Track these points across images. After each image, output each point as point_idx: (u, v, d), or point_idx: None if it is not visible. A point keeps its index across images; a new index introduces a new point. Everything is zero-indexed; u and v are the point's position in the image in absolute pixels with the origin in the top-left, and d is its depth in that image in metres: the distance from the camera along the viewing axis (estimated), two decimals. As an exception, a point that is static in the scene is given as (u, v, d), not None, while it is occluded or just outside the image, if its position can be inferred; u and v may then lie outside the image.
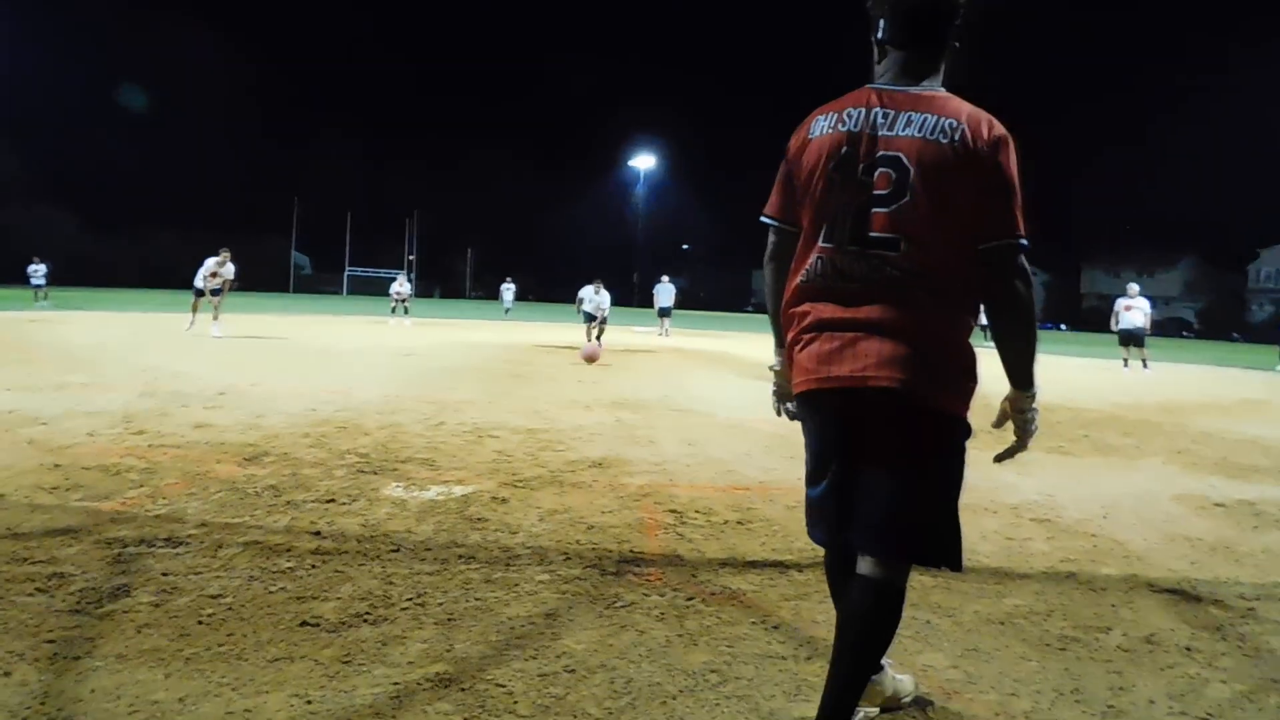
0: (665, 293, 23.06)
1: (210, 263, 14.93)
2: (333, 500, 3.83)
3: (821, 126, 1.88)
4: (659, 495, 4.36)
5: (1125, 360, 16.59)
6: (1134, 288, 16.83)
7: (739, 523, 3.91)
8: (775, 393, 2.16)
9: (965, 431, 1.92)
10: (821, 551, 2.15)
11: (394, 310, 24.20)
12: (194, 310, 15.12)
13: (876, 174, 1.77)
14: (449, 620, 2.61)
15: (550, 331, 21.44)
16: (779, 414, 2.17)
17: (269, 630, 2.43)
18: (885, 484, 1.82)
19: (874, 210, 1.76)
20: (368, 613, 2.61)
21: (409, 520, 3.63)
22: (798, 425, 2.08)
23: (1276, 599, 3.25)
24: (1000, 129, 1.73)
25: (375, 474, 4.43)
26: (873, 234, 1.77)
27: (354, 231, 67.32)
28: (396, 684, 2.17)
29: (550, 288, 64.01)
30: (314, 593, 2.72)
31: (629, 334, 22.09)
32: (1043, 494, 4.87)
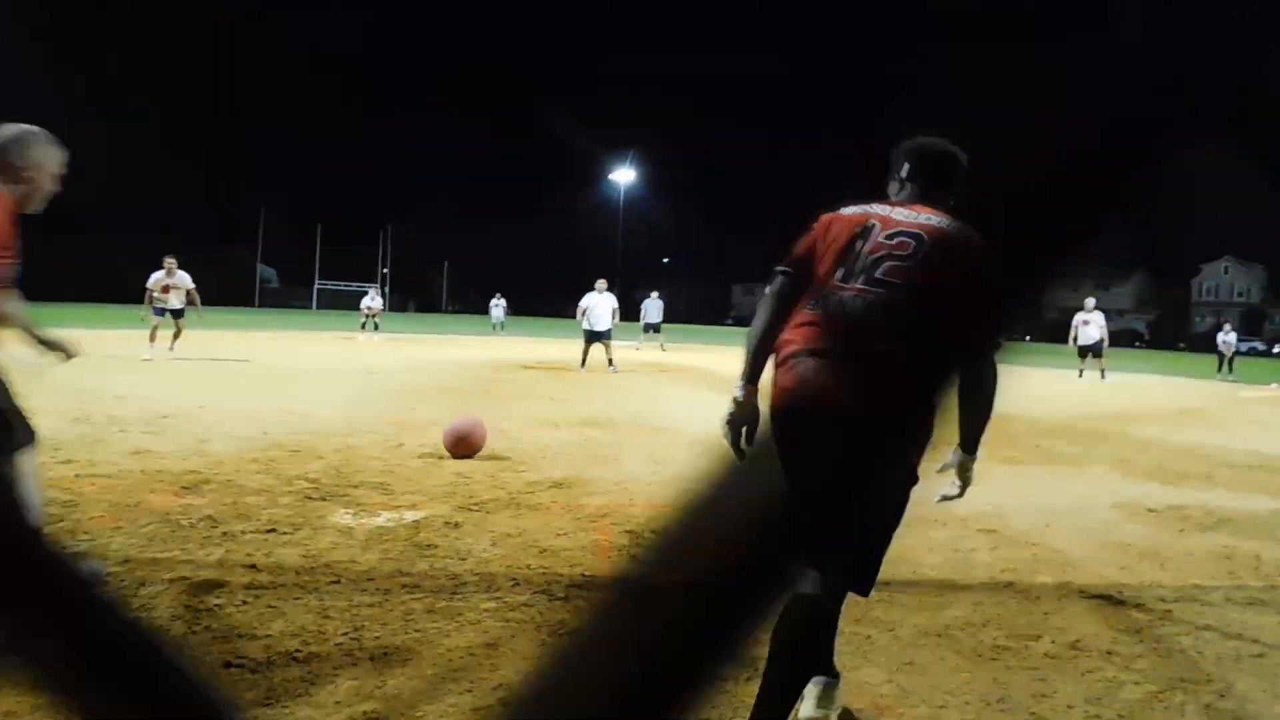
0: (654, 308, 22.96)
1: (156, 278, 12.55)
2: (274, 530, 3.71)
3: (851, 210, 2.22)
4: (617, 516, 4.30)
5: (1080, 371, 17.03)
6: (1090, 302, 17.23)
7: (694, 542, 3.85)
8: (729, 421, 2.12)
9: None
10: None
11: (364, 325, 23.70)
12: (152, 337, 12.28)
13: (897, 239, 2.08)
14: (384, 655, 2.52)
15: (525, 348, 21.31)
16: (730, 443, 2.10)
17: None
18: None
19: (889, 263, 2.05)
20: (298, 650, 2.51)
21: (354, 549, 3.53)
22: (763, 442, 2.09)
23: (1192, 600, 3.39)
24: (974, 238, 2.04)
25: (324, 500, 4.32)
26: (881, 276, 2.04)
27: (324, 243, 66.38)
28: (318, 727, 2.08)
29: (528, 302, 63.67)
30: (241, 631, 2.62)
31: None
32: (992, 504, 4.92)
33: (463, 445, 5.69)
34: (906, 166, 2.32)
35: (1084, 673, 2.62)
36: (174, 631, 2.59)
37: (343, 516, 4.04)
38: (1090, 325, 16.78)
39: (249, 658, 2.43)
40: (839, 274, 2.10)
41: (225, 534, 3.63)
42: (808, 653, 1.97)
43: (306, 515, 4.01)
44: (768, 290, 2.25)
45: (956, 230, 2.09)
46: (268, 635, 2.60)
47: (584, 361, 14.11)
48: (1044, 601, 3.29)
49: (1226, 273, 76.89)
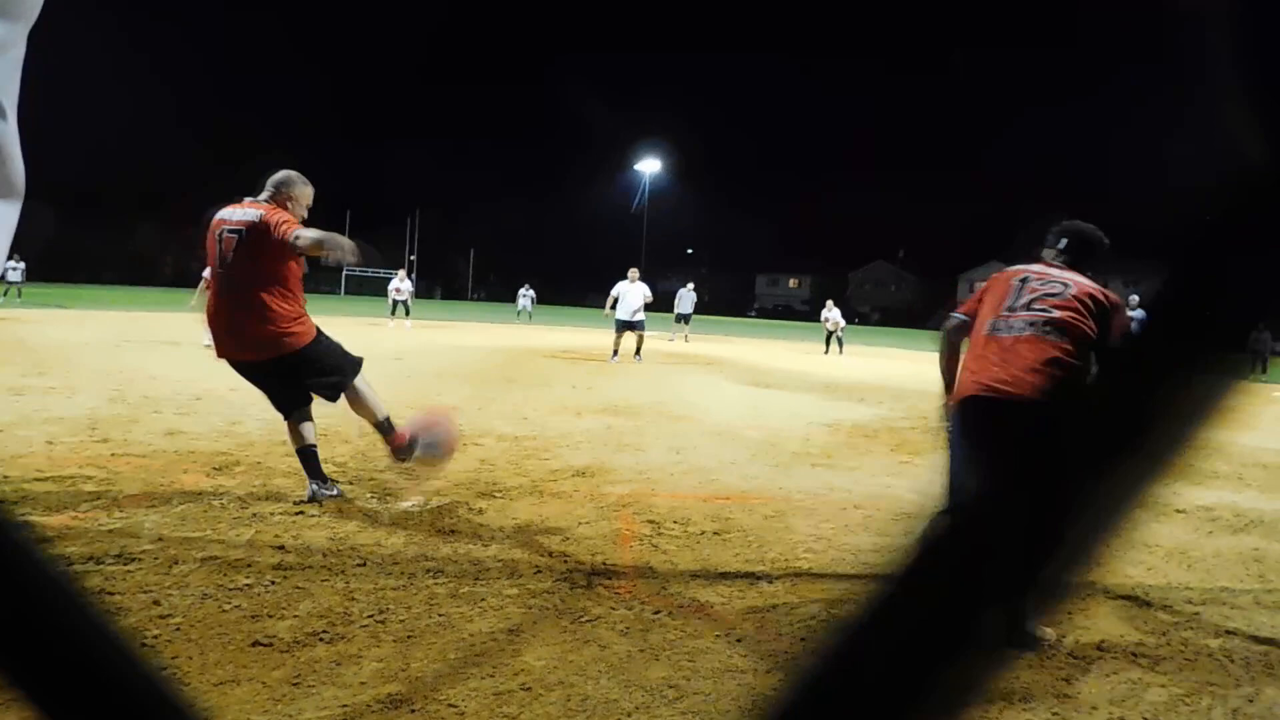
0: (686, 299, 22.89)
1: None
2: (302, 513, 3.78)
3: (1012, 268, 3.04)
4: (639, 505, 4.32)
5: None
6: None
7: (715, 533, 3.87)
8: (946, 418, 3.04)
9: None
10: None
11: (394, 310, 23.15)
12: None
13: (1051, 284, 2.88)
14: (408, 637, 2.57)
15: (549, 335, 21.40)
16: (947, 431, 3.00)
17: (218, 651, 2.38)
18: None
19: (1044, 299, 2.84)
20: (324, 631, 2.56)
21: (379, 533, 3.59)
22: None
23: (1219, 603, 3.34)
24: (1109, 293, 2.89)
25: (351, 484, 4.39)
26: (1045, 304, 2.83)
27: (353, 230, 66.97)
28: (345, 706, 2.13)
29: (554, 291, 63.67)
30: (270, 611, 2.67)
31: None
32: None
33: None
34: (1064, 241, 3.07)
35: (1108, 674, 2.61)
36: (204, 610, 2.65)
37: (369, 500, 4.10)
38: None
39: (277, 637, 2.49)
40: (1003, 307, 2.93)
41: (255, 515, 3.71)
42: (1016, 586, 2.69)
43: (334, 498, 4.08)
44: (945, 327, 3.17)
45: (1090, 286, 2.89)
46: (295, 616, 2.66)
47: (616, 351, 13.97)
48: (1069, 601, 3.26)
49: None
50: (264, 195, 4.04)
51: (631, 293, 13.83)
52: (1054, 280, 2.88)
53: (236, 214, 3.92)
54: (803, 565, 3.49)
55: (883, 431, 7.42)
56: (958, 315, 3.10)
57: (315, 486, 4.00)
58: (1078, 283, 2.87)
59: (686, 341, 21.62)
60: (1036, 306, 2.82)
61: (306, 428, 4.10)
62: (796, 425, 7.52)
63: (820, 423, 7.75)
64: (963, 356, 3.01)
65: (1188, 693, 2.50)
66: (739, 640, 2.68)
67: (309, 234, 3.82)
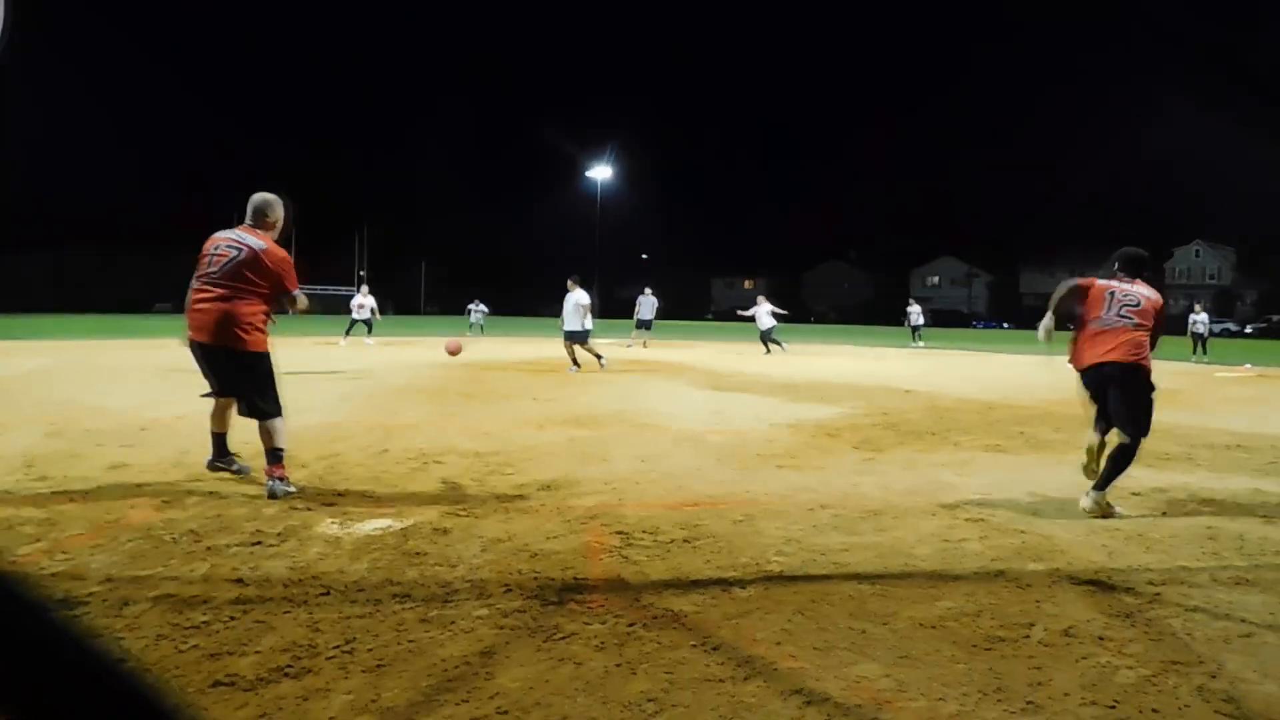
0: (646, 305, 22.75)
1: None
2: (259, 543, 3.66)
3: (1101, 282, 4.82)
4: (607, 516, 4.28)
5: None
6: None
7: (685, 541, 3.84)
8: (1045, 327, 4.97)
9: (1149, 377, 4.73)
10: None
11: (350, 330, 22.00)
12: None
13: (1130, 297, 4.66)
14: (378, 667, 2.49)
15: (505, 348, 21.21)
16: (1042, 339, 4.96)
17: (176, 695, 2.27)
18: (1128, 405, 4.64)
19: (1127, 307, 4.64)
20: (289, 666, 2.47)
21: (342, 559, 3.49)
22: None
23: (1179, 582, 3.42)
24: (1160, 298, 4.75)
25: (309, 510, 4.27)
26: (1128, 310, 4.65)
27: (299, 244, 65.43)
28: (314, 743, 2.04)
29: (508, 301, 63.02)
30: (231, 648, 2.57)
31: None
32: (979, 493, 4.97)
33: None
34: (1118, 264, 4.96)
35: (1078, 659, 2.63)
36: (161, 651, 2.54)
37: (330, 526, 3.99)
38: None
39: (240, 675, 2.39)
40: (1104, 313, 4.71)
41: (209, 548, 3.57)
42: (1118, 463, 4.55)
43: (292, 526, 3.96)
44: (1066, 283, 5.09)
45: (1149, 295, 4.72)
46: (258, 651, 2.56)
47: (574, 361, 13.63)
48: (1035, 589, 3.29)
49: (1198, 255, 78.04)
50: (251, 220, 4.82)
51: (566, 303, 13.44)
52: (1132, 294, 4.73)
53: (235, 235, 4.73)
54: (775, 568, 3.48)
55: (845, 430, 7.47)
56: (1076, 284, 4.97)
57: (215, 459, 5.03)
58: (1147, 297, 4.71)
59: (645, 347, 21.59)
60: (1123, 312, 4.68)
61: (228, 415, 5.02)
62: (760, 428, 7.54)
63: (783, 424, 7.79)
64: (1080, 340, 4.84)
65: (1154, 673, 2.54)
66: (716, 648, 2.65)
67: (303, 298, 4.90)
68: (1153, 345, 4.70)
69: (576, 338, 13.45)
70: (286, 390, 4.95)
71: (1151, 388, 4.65)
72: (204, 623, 2.76)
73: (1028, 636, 2.81)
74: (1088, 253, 78.52)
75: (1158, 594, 3.26)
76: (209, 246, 4.69)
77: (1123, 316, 4.65)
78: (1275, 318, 58.30)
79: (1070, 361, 4.88)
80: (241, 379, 4.68)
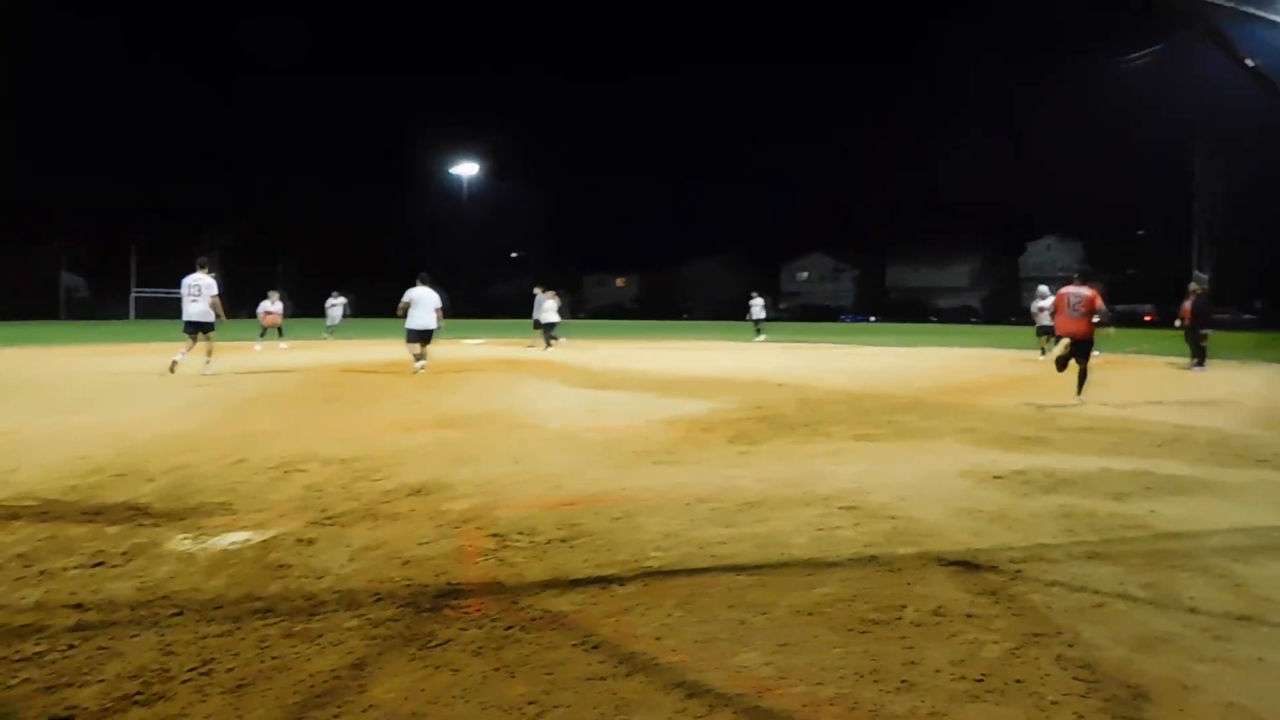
0: (545, 306, 22.09)
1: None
2: (101, 563, 3.37)
3: (1062, 291, 9.86)
4: (481, 519, 4.20)
5: (1042, 349, 17.44)
6: (1044, 289, 18.43)
7: (563, 540, 3.83)
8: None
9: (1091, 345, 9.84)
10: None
11: (264, 334, 20.86)
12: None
13: (1076, 296, 9.66)
14: (239, 687, 2.36)
15: (371, 349, 20.46)
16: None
17: (6, 733, 2.07)
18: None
19: (1078, 302, 9.63)
20: (139, 693, 2.30)
21: (197, 576, 3.27)
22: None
23: (1039, 559, 3.64)
24: (1092, 292, 9.74)
25: (158, 526, 3.98)
26: (1077, 306, 9.63)
27: (140, 247, 60.45)
28: (169, 775, 1.91)
29: (371, 300, 60.36)
30: (70, 679, 2.36)
31: (457, 347, 21.51)
32: (852, 481, 5.15)
33: None
34: (1076, 275, 10.25)
35: (948, 637, 2.77)
36: (-13, 688, 2.30)
37: (182, 542, 3.73)
38: (1042, 311, 17.80)
39: (81, 708, 2.20)
40: (1065, 310, 9.68)
41: (43, 572, 3.27)
42: (1082, 379, 9.68)
43: (139, 544, 3.67)
44: (1050, 299, 14.89)
45: (1087, 290, 9.62)
46: (102, 680, 2.36)
47: (418, 358, 13.01)
48: (907, 572, 3.44)
49: (1049, 249, 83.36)
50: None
51: (415, 299, 12.98)
52: (1078, 294, 9.51)
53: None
54: (654, 564, 3.52)
55: (720, 424, 7.64)
56: (1047, 305, 15.62)
57: None
58: (1085, 295, 9.47)
59: (545, 349, 21.16)
60: (1075, 306, 9.46)
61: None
62: (636, 424, 7.61)
63: (659, 420, 7.89)
64: (1058, 320, 9.75)
65: (1018, 645, 2.69)
66: (597, 646, 2.66)
67: None
68: (1094, 315, 9.43)
69: (426, 337, 13.07)
70: (125, 399, 4.60)
71: (1091, 344, 9.64)
72: (37, 653, 2.52)
73: (900, 618, 2.93)
74: (949, 248, 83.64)
75: (1019, 571, 3.45)
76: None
77: (1073, 309, 9.47)
78: (1120, 307, 63.56)
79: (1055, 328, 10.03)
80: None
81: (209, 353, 12.55)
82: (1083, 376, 9.57)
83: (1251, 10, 3.95)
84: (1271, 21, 4.08)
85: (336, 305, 27.42)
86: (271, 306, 21.03)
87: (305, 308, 47.53)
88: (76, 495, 4.57)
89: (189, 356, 12.38)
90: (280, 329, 21.22)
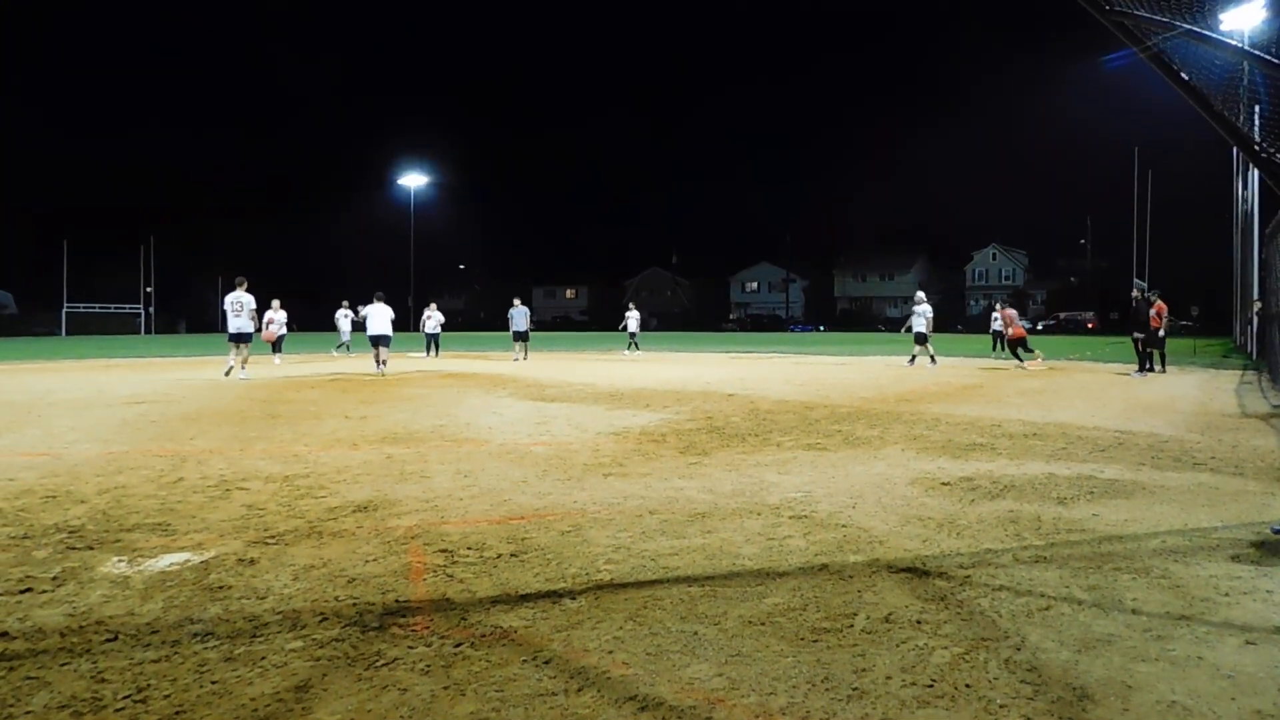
0: (519, 316, 21.95)
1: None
2: (29, 589, 3.24)
3: (1012, 310, 20.30)
4: (429, 535, 4.15)
5: (912, 358, 19.04)
6: (920, 295, 19.36)
7: (512, 555, 3.80)
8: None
9: None
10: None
11: (276, 348, 20.08)
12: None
13: (1012, 313, 20.36)
14: (177, 714, 2.28)
15: (313, 364, 20.03)
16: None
17: (-75, 770, 1.97)
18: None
19: (1016, 318, 19.89)
20: (68, 724, 2.20)
21: (132, 600, 3.16)
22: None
23: (986, 564, 3.71)
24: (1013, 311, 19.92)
25: (90, 549, 3.84)
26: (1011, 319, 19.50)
27: (71, 259, 58.34)
28: (101, 808, 1.84)
29: (310, 313, 59.14)
30: (-6, 711, 2.26)
31: (405, 360, 21.18)
32: (801, 491, 5.21)
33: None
34: (1007, 295, 28.55)
35: (898, 644, 2.79)
36: (-96, 723, 2.19)
37: (116, 565, 3.60)
38: (917, 316, 18.93)
39: (6, 741, 2.11)
40: (1017, 319, 19.43)
41: (-36, 600, 3.12)
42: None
43: (71, 568, 3.54)
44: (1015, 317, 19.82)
45: (1012, 311, 19.64)
46: (29, 712, 2.27)
47: (378, 361, 16.26)
48: (857, 580, 3.47)
49: (994, 258, 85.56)
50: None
51: (372, 313, 16.37)
52: (1011, 313, 19.24)
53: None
54: (604, 577, 3.51)
55: (670, 435, 7.66)
56: (1004, 318, 19.73)
57: None
58: (1013, 315, 19.27)
59: (518, 361, 20.99)
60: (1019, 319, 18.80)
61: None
62: (585, 437, 7.59)
63: (608, 432, 7.88)
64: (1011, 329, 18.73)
65: (966, 650, 2.73)
66: (547, 662, 2.64)
67: None
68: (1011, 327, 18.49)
69: (385, 342, 16.28)
70: (56, 418, 4.43)
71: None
72: (-42, 686, 2.41)
73: (851, 626, 2.95)
74: (895, 258, 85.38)
75: (967, 576, 3.52)
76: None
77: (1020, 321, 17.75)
78: (1063, 315, 65.27)
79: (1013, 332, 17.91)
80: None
81: (244, 362, 14.68)
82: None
83: (1189, 27, 4.12)
84: (1207, 38, 4.27)
85: (276, 320, 26.15)
86: (273, 315, 19.94)
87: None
88: (1, 519, 4.39)
89: (234, 362, 14.62)
90: (274, 344, 20.10)
